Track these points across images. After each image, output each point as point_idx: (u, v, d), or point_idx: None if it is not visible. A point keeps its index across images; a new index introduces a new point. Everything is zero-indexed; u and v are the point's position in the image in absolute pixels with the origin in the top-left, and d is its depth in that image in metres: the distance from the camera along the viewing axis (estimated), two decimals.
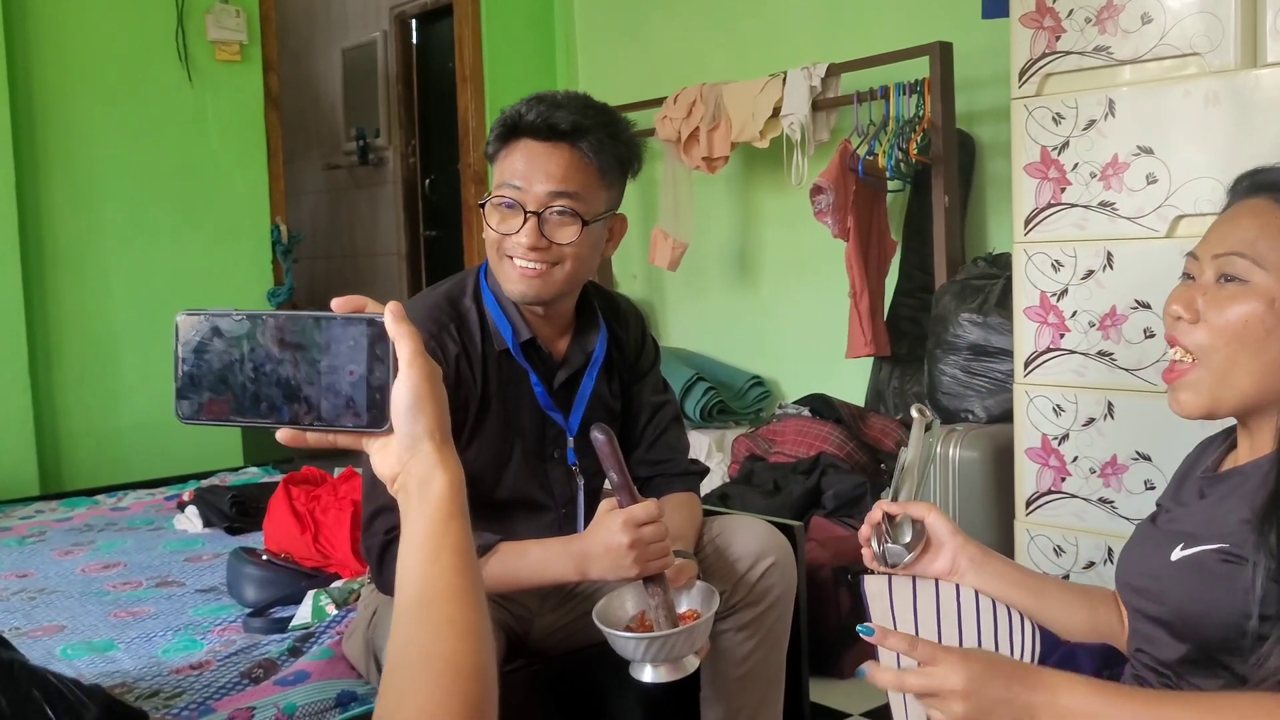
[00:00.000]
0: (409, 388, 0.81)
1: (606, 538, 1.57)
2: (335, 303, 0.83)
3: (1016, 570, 1.40)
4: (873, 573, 1.37)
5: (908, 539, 1.35)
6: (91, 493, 3.45)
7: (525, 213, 1.68)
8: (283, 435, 0.83)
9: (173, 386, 0.81)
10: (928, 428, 1.38)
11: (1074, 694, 1.12)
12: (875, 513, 1.36)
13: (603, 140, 1.70)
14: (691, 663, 1.58)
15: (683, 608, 1.63)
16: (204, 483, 3.40)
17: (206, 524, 2.97)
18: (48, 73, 3.71)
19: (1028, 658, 1.33)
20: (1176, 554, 1.21)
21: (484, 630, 0.78)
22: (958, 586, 1.36)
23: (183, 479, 3.55)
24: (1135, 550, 1.32)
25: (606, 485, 1.75)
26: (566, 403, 1.82)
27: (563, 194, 1.69)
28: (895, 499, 1.37)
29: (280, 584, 2.29)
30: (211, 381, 0.81)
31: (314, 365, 0.81)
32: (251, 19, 4.12)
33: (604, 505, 1.61)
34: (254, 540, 2.71)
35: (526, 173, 1.69)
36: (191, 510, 3.03)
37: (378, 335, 0.81)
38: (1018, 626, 1.34)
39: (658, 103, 4.00)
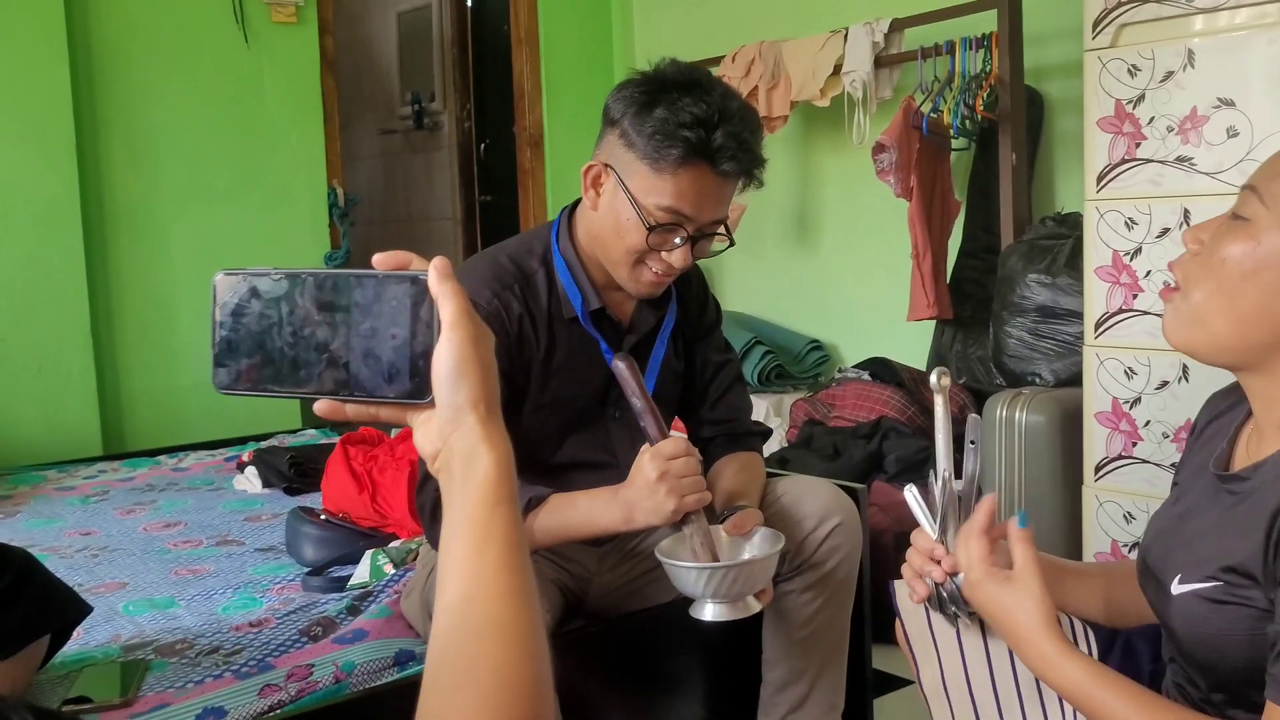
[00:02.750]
0: (450, 352, 0.72)
1: (639, 476, 1.55)
2: (377, 259, 0.75)
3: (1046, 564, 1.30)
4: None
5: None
6: (153, 453, 3.48)
7: (687, 237, 1.66)
8: (320, 407, 0.75)
9: (210, 353, 0.75)
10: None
11: (1034, 635, 1.11)
12: (935, 570, 1.22)
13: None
14: (753, 604, 1.56)
15: (746, 554, 1.60)
16: (263, 444, 3.42)
17: (265, 484, 2.99)
18: (107, 34, 3.72)
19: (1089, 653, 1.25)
20: (1175, 587, 1.09)
21: (538, 638, 0.69)
22: None
23: (242, 440, 3.57)
24: (1147, 555, 1.19)
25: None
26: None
27: (721, 219, 1.69)
28: (943, 533, 1.25)
29: (338, 543, 2.29)
30: (249, 347, 0.74)
31: (354, 329, 0.74)
32: None
33: (641, 450, 1.59)
34: (312, 500, 2.71)
35: (700, 204, 1.64)
36: (251, 471, 3.05)
37: (421, 295, 0.73)
38: (1066, 626, 1.25)
39: (715, 62, 3.93)
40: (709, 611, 1.53)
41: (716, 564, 1.51)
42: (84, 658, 1.81)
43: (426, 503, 1.64)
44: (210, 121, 3.92)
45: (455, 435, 0.73)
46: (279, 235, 4.08)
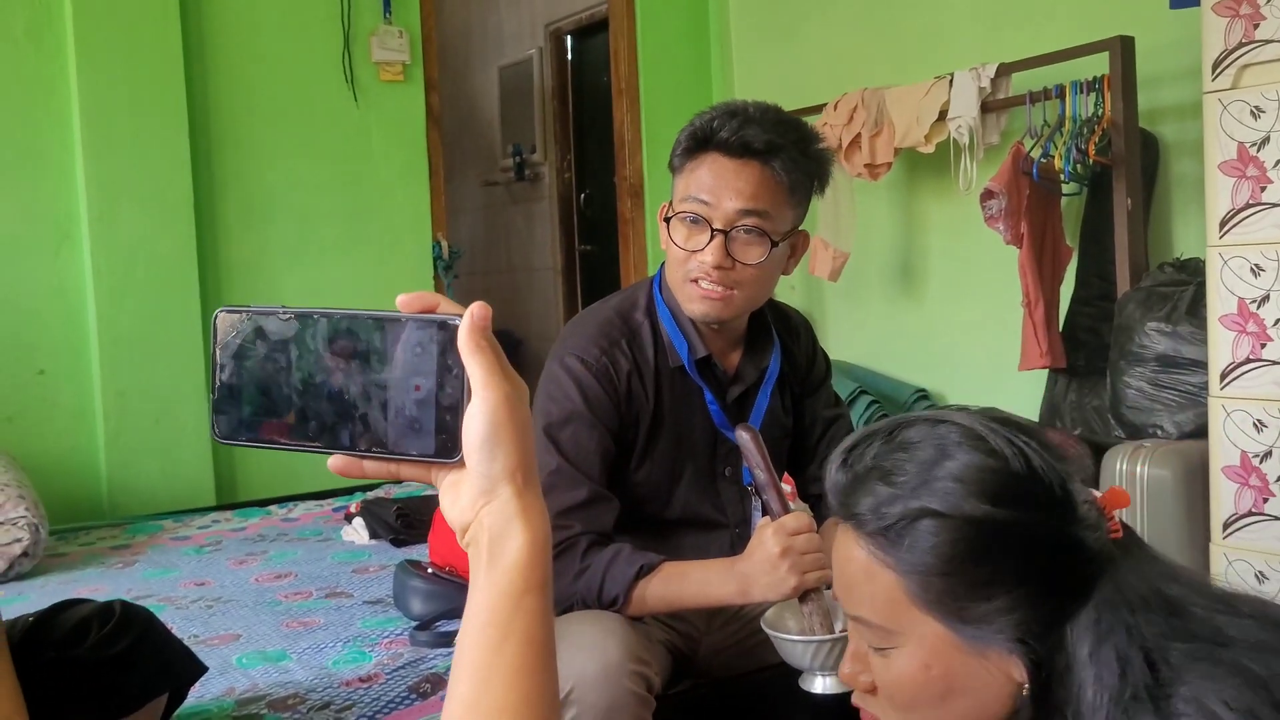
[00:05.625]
0: (484, 415, 0.64)
1: (760, 550, 1.52)
2: (402, 300, 0.68)
3: None
4: None
5: None
6: (264, 503, 3.55)
7: (712, 230, 1.62)
8: (335, 463, 0.68)
9: (209, 398, 0.68)
10: None
11: None
12: None
13: (795, 158, 1.63)
14: None
15: None
16: (369, 495, 3.46)
17: (373, 535, 3.02)
18: (224, 98, 3.85)
19: None
20: None
21: None
22: None
23: (349, 490, 3.62)
24: None
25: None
26: (740, 419, 1.75)
27: (752, 212, 1.62)
28: None
29: (445, 597, 2.29)
30: (252, 394, 0.68)
31: (373, 377, 0.67)
32: (414, 40, 4.20)
33: (760, 523, 1.55)
34: (419, 552, 2.73)
35: (715, 188, 1.62)
36: (358, 522, 3.08)
37: (449, 341, 0.66)
38: None
39: (817, 109, 3.91)
40: (819, 684, 1.49)
41: (824, 637, 1.47)
42: (200, 711, 1.83)
43: None
44: (320, 179, 4.02)
45: (488, 508, 0.65)
46: (385, 287, 4.15)
